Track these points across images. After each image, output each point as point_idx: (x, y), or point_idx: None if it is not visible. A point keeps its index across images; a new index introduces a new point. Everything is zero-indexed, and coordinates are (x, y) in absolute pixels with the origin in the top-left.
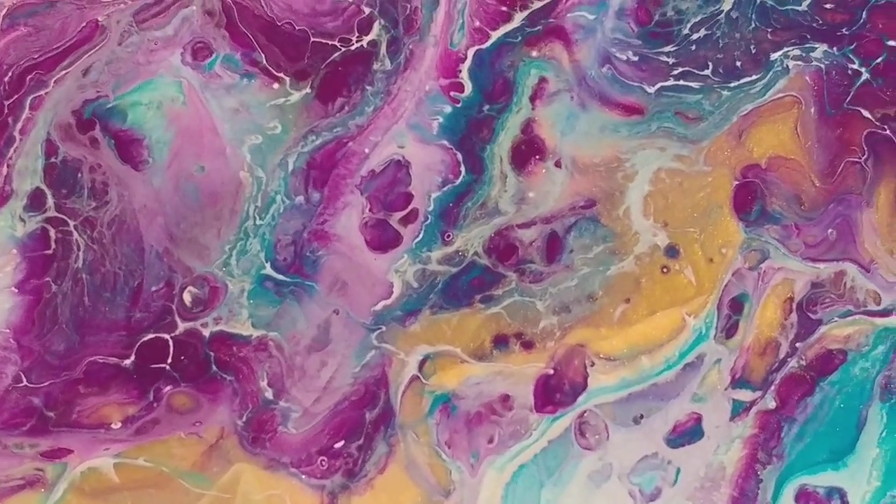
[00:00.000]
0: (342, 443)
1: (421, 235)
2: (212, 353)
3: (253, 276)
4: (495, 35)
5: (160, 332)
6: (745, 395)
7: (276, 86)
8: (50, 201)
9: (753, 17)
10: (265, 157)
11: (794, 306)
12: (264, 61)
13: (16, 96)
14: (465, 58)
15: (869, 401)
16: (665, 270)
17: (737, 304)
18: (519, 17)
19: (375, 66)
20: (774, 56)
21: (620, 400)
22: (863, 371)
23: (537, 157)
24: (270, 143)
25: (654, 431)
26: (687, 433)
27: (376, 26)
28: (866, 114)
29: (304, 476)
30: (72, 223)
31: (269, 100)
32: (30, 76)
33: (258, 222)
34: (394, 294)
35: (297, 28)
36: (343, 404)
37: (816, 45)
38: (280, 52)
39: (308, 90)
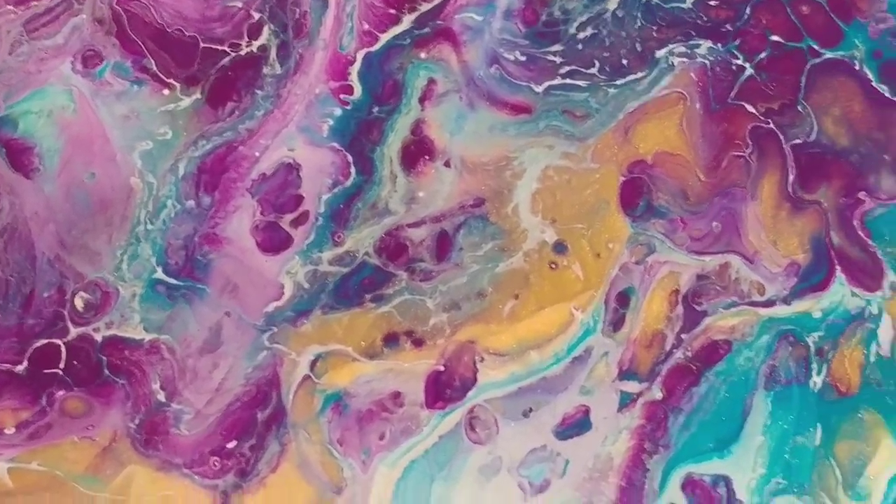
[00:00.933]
0: (234, 443)
1: (312, 237)
2: (104, 358)
3: (144, 280)
4: (384, 37)
5: (52, 337)
6: (632, 387)
7: (166, 92)
8: None
9: (639, 15)
10: (156, 162)
11: (680, 299)
12: (154, 68)
13: None
14: (355, 60)
15: (753, 390)
16: (553, 266)
17: (623, 298)
18: (407, 20)
19: (265, 71)
20: (660, 53)
21: (510, 394)
22: (747, 361)
23: (427, 157)
24: (161, 148)
25: (543, 424)
26: (575, 425)
27: (266, 31)
28: (750, 108)
29: (196, 476)
30: None
31: (160, 106)
32: None
33: (149, 227)
34: (285, 295)
35: (187, 34)
36: (235, 405)
37: (701, 42)
38: (170, 59)
39: (198, 95)
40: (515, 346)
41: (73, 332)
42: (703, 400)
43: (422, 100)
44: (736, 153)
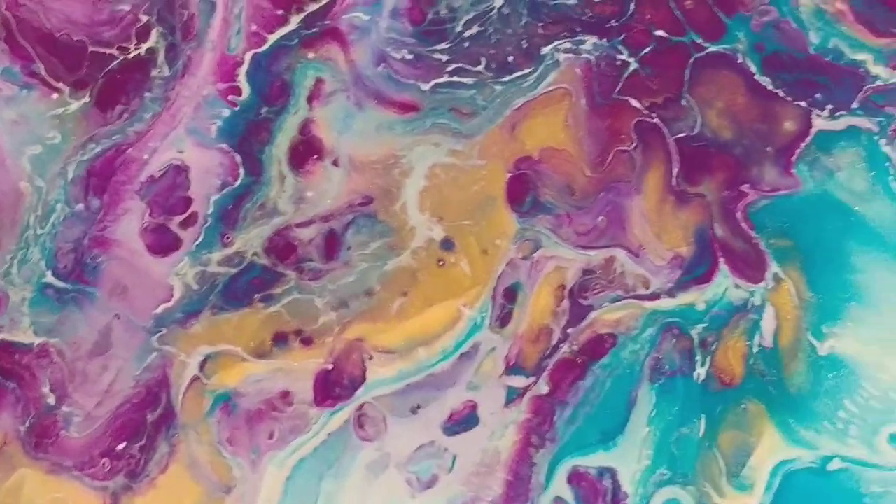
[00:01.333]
0: (124, 444)
1: (201, 238)
2: None
3: (34, 284)
4: (272, 38)
5: None
6: (518, 382)
7: (55, 96)
8: None
9: (524, 12)
10: (45, 166)
11: (566, 293)
12: (43, 72)
13: None
14: (243, 62)
15: (638, 382)
16: (441, 263)
17: (510, 294)
18: (295, 20)
19: (154, 73)
20: (545, 50)
21: (398, 391)
22: (632, 354)
23: (315, 156)
24: (50, 152)
25: (431, 420)
26: (463, 421)
27: (154, 34)
28: (635, 103)
29: (86, 478)
30: None
31: (49, 110)
32: None
33: (39, 231)
34: (174, 297)
35: (75, 38)
36: (124, 407)
37: (586, 38)
38: (59, 63)
39: (87, 99)
40: (404, 343)
41: None
42: (588, 393)
43: (310, 99)
44: (621, 148)
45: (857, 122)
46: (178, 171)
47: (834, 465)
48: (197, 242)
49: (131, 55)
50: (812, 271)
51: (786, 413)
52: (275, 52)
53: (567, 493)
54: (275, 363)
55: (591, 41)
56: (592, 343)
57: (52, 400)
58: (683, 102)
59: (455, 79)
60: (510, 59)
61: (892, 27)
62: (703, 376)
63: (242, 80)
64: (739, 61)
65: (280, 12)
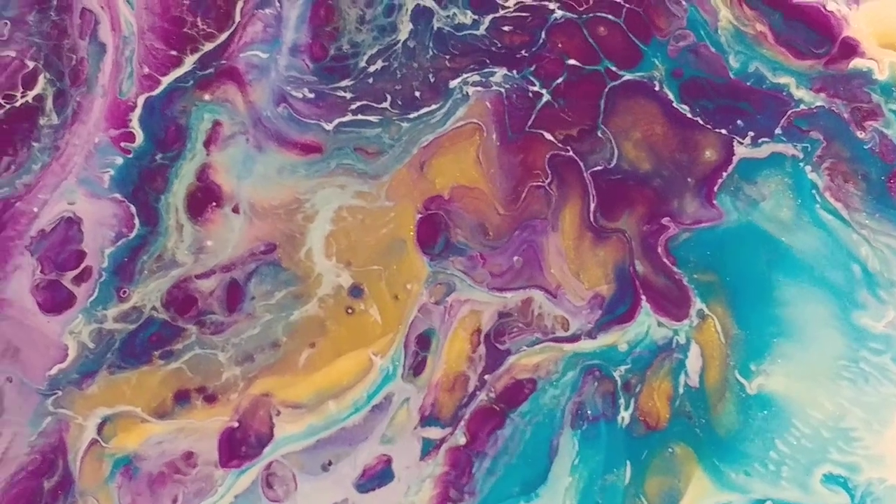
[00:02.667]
0: None
1: (95, 294)
2: None
3: None
4: (166, 80)
5: None
6: (434, 433)
7: None
8: None
9: (431, 44)
10: None
11: (482, 338)
12: None
13: None
14: (135, 106)
15: (560, 429)
16: (350, 311)
17: (424, 340)
18: (190, 61)
19: (42, 122)
20: (454, 83)
21: (308, 447)
22: (553, 399)
23: (214, 203)
24: None
25: (344, 477)
26: (377, 476)
27: (41, 80)
28: (549, 136)
29: None
30: None
31: None
32: None
33: None
34: (69, 357)
35: None
36: (20, 475)
37: (496, 70)
38: None
39: None
40: (313, 396)
41: None
42: (508, 442)
43: (207, 143)
44: (535, 183)
45: (780, 149)
46: (70, 224)
47: None
48: (91, 298)
49: (18, 103)
50: (738, 306)
51: (715, 456)
52: (169, 94)
53: None
54: (177, 423)
55: (501, 73)
56: (511, 389)
57: None
58: (599, 134)
59: (359, 117)
60: (417, 94)
61: (815, 48)
62: (627, 420)
63: (135, 126)
64: (656, 89)
65: (174, 53)
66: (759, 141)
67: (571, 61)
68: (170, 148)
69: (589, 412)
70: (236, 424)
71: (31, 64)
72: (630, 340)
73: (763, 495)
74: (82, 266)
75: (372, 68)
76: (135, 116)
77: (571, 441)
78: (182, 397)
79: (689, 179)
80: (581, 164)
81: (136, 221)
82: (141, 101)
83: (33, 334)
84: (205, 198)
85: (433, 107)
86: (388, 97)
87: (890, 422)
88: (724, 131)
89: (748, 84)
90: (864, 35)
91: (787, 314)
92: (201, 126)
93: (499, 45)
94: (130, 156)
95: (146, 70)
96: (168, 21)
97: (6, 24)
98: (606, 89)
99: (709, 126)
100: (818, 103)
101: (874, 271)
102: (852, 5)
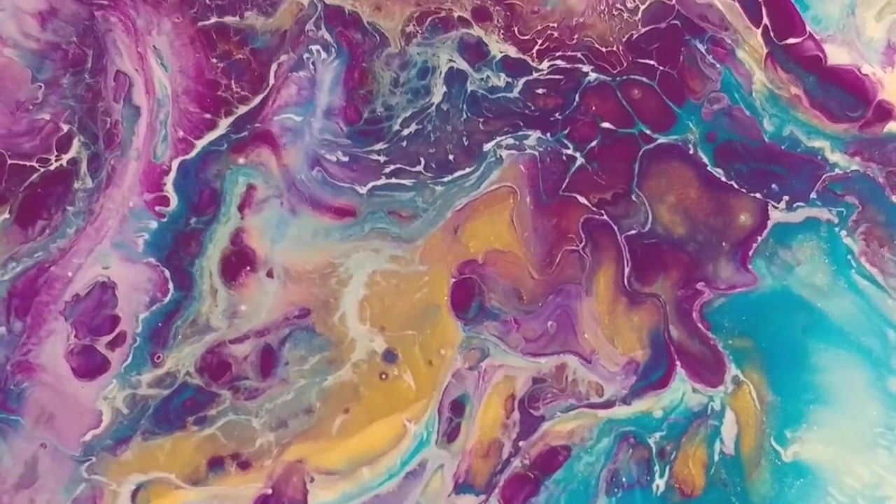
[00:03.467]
0: None
1: (130, 359)
2: None
3: None
4: (200, 144)
5: None
6: (469, 501)
7: None
8: None
9: (464, 107)
10: None
11: (517, 404)
12: None
13: None
14: (170, 170)
15: (595, 497)
16: (384, 377)
17: (458, 406)
18: (224, 124)
19: (76, 185)
20: (487, 146)
21: None
22: (587, 466)
23: (248, 268)
24: None
25: None
26: None
27: (76, 143)
28: (582, 199)
29: None
30: None
31: None
32: None
33: None
34: (103, 422)
35: None
36: None
37: (530, 132)
38: None
39: (6, 216)
40: (346, 463)
41: None
42: None
43: (241, 207)
44: (569, 247)
45: (815, 214)
46: (104, 289)
47: None
48: (126, 364)
49: (52, 167)
50: (773, 372)
51: None
52: (203, 158)
53: None
54: (211, 489)
55: (534, 136)
56: (545, 456)
57: None
58: (633, 198)
59: (393, 180)
60: (451, 157)
61: (850, 112)
62: (662, 488)
63: (170, 190)
64: (691, 152)
65: (208, 116)
66: (794, 205)
67: (605, 124)
68: (204, 212)
69: (624, 479)
70: (270, 491)
71: (65, 127)
72: (665, 407)
73: None
74: (116, 331)
75: (406, 131)
76: (169, 180)
77: None
78: (216, 464)
79: (723, 244)
80: (615, 227)
81: (171, 286)
82: (175, 164)
83: (68, 400)
84: (239, 262)
85: (467, 170)
86: (422, 160)
87: None
88: (758, 195)
89: (783, 148)
90: None
91: (823, 381)
92: (235, 190)
93: (532, 107)
94: (165, 220)
95: (180, 133)
96: (202, 84)
97: (40, 87)
98: (640, 152)
99: (743, 190)
100: (853, 167)
101: None
102: (887, 68)
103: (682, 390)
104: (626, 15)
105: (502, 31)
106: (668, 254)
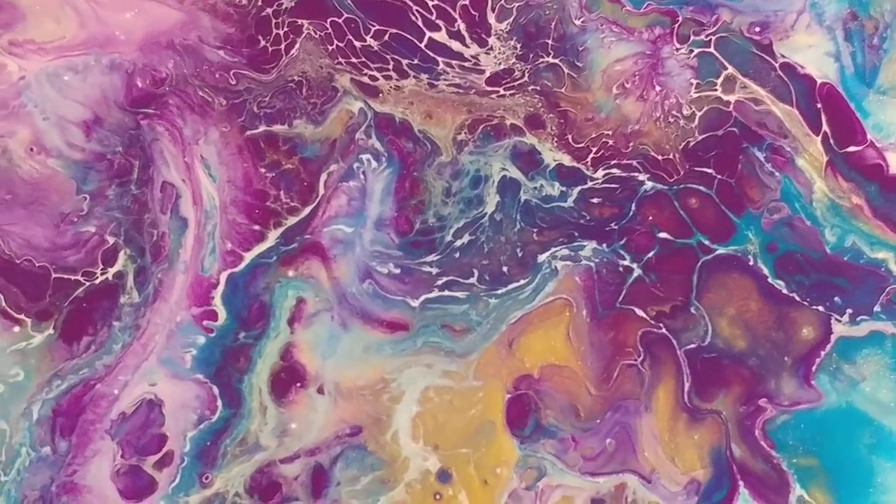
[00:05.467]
0: None
1: (177, 479)
2: None
3: None
4: (249, 256)
5: None
6: None
7: (17, 329)
8: None
9: (518, 217)
10: (7, 407)
11: None
12: (3, 303)
13: None
14: (218, 283)
15: None
16: (438, 497)
17: None
18: (273, 236)
19: (122, 300)
20: (542, 257)
21: None
22: None
23: (298, 384)
24: (13, 391)
25: None
26: None
27: (122, 256)
28: (640, 312)
29: None
30: None
31: (10, 345)
32: None
33: (3, 479)
34: None
35: (37, 264)
36: None
37: (585, 243)
38: (20, 292)
39: (51, 331)
40: None
41: None
42: None
43: (291, 321)
44: (627, 362)
45: (880, 327)
46: (151, 407)
47: None
48: (173, 484)
49: (98, 281)
50: (840, 492)
51: None
52: (252, 271)
53: None
54: None
55: (590, 246)
56: None
57: None
58: (692, 310)
59: (446, 293)
60: (505, 269)
61: None
62: None
63: (218, 304)
64: (751, 263)
65: (257, 227)
66: (858, 318)
67: (662, 234)
68: (253, 326)
69: None
70: None
71: (111, 240)
72: None
73: None
74: (164, 451)
75: (458, 242)
76: (217, 294)
77: None
78: None
79: (786, 358)
80: (674, 341)
81: (219, 403)
82: (223, 277)
83: None
84: (289, 378)
85: (521, 282)
86: (476, 272)
87: None
88: (821, 308)
89: (845, 259)
90: None
91: (890, 501)
92: (285, 303)
93: (587, 217)
94: (213, 335)
95: (229, 245)
96: (251, 195)
97: (85, 198)
98: (699, 264)
99: (805, 303)
100: None
101: None
102: None
103: None
104: (682, 122)
105: (556, 139)
106: (729, 368)
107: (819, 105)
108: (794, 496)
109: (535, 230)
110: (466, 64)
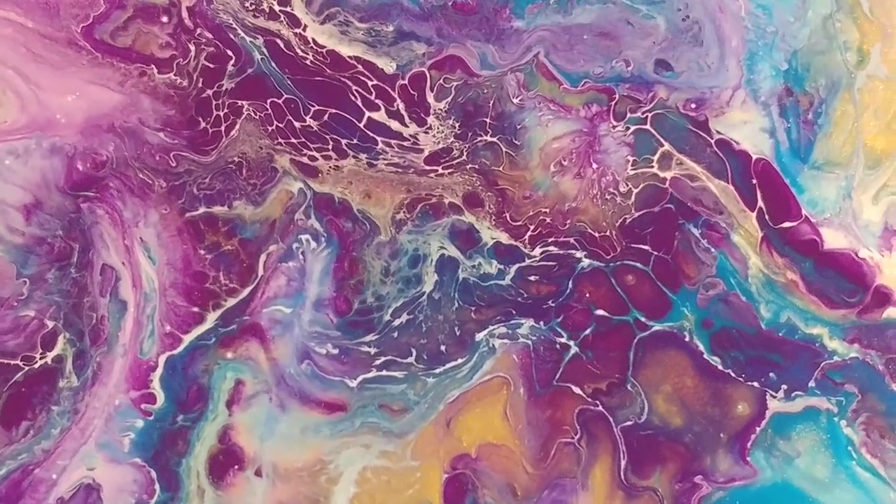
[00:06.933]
0: None
1: None
2: None
3: None
4: (188, 338)
5: None
6: None
7: None
8: None
9: (456, 296)
10: None
11: None
12: None
13: None
14: (157, 366)
15: None
16: None
17: None
18: (212, 318)
19: (61, 384)
20: (480, 336)
21: None
22: None
23: (236, 466)
24: None
25: None
26: None
27: (61, 340)
28: (577, 390)
29: None
30: None
31: None
32: None
33: None
34: None
35: None
36: None
37: (523, 321)
38: None
39: None
40: None
41: None
42: None
43: (229, 404)
44: (564, 440)
45: (815, 403)
46: (90, 491)
47: None
48: None
49: (37, 365)
50: None
51: None
52: (191, 353)
53: None
54: None
55: (527, 324)
56: None
57: None
58: (629, 387)
59: (384, 373)
60: (443, 347)
61: (847, 297)
62: None
63: (156, 387)
64: (687, 340)
65: (196, 309)
66: (793, 394)
67: (599, 311)
68: (191, 409)
69: None
70: None
71: (50, 324)
72: None
73: None
74: None
75: (397, 321)
76: (156, 376)
77: None
78: None
79: (721, 435)
80: (611, 419)
81: (157, 487)
82: (162, 360)
83: None
84: (227, 461)
85: (459, 361)
86: (414, 351)
87: None
88: (756, 384)
89: (780, 335)
90: None
91: None
92: (224, 385)
93: (525, 295)
94: (151, 418)
95: (167, 328)
96: (190, 276)
97: (25, 282)
98: (636, 340)
99: (741, 378)
100: (852, 354)
101: None
102: (885, 252)
103: None
104: (619, 199)
105: (494, 218)
106: (665, 445)
107: (754, 181)
108: None
109: (473, 308)
110: (405, 143)
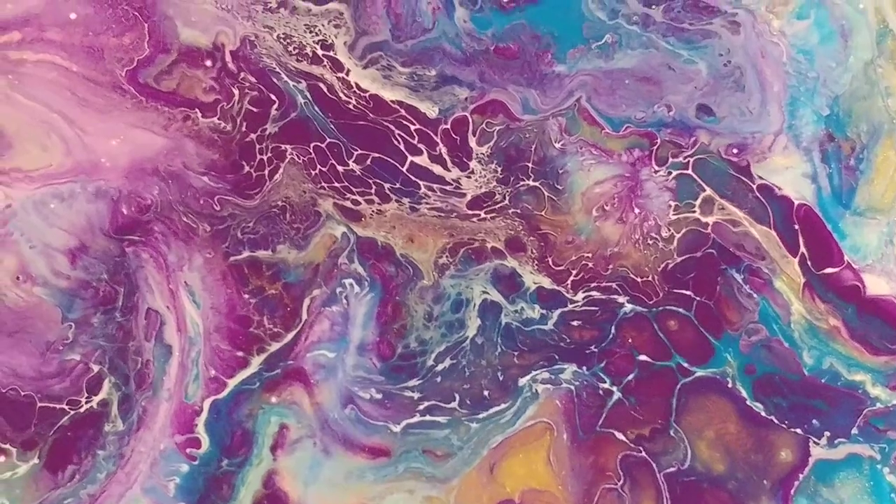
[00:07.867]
0: None
1: None
2: None
3: None
4: (232, 383)
5: None
6: None
7: (1, 459)
8: None
9: (499, 341)
10: None
11: None
12: None
13: None
14: (202, 410)
15: None
16: None
17: None
18: (256, 362)
19: (107, 428)
20: (523, 381)
21: None
22: None
23: None
24: None
25: None
26: None
27: (106, 384)
28: (620, 436)
29: None
30: None
31: None
32: None
33: None
34: None
35: (22, 393)
36: None
37: (565, 366)
38: (5, 422)
39: (36, 460)
40: None
41: None
42: None
43: (273, 448)
44: (607, 486)
45: (858, 450)
46: None
47: None
48: None
49: (83, 409)
50: None
51: None
52: (235, 397)
53: None
54: None
55: (570, 369)
56: None
57: None
58: (671, 433)
59: (428, 418)
60: (486, 392)
61: (889, 343)
62: None
63: (201, 431)
64: (729, 386)
65: (240, 354)
66: (836, 441)
67: (642, 357)
68: (236, 453)
69: None
70: None
71: (95, 368)
72: None
73: None
74: None
75: (440, 366)
76: (201, 421)
77: None
78: None
79: (764, 482)
80: (654, 465)
81: None
82: (207, 404)
83: None
84: None
85: (502, 406)
86: (457, 396)
87: None
88: (799, 431)
89: (823, 381)
90: None
91: None
92: (268, 430)
93: (568, 340)
94: (196, 462)
95: (212, 372)
96: (234, 321)
97: (70, 326)
98: (678, 386)
99: (784, 425)
100: (894, 401)
101: None
102: None
103: None
104: (661, 244)
105: (536, 262)
106: (708, 492)
107: (796, 226)
108: None
109: (516, 353)
110: (448, 187)
